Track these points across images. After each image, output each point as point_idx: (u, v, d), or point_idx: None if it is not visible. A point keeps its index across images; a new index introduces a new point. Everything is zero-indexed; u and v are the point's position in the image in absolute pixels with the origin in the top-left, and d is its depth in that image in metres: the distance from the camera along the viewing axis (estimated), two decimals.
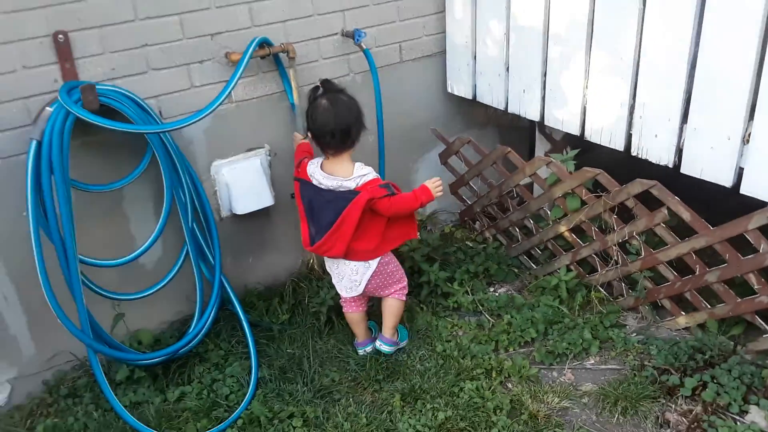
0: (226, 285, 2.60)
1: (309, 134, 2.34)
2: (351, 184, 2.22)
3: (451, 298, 2.82)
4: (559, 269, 2.77)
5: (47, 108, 2.05)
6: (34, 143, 2.02)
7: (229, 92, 2.40)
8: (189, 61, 2.41)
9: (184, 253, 2.52)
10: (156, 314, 2.62)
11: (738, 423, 2.05)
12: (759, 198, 2.04)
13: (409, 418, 2.23)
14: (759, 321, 2.23)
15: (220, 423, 2.27)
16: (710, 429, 2.05)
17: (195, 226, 2.49)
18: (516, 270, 2.99)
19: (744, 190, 2.07)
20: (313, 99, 2.27)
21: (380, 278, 2.40)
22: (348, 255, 2.31)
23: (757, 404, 2.09)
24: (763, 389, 2.12)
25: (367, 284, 2.39)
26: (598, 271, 2.66)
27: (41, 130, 2.02)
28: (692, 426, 2.06)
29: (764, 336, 2.23)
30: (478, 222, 3.18)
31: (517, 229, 2.96)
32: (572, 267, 2.75)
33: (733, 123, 2.03)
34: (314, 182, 2.28)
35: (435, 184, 2.31)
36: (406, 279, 2.49)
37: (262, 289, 2.88)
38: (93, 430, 2.25)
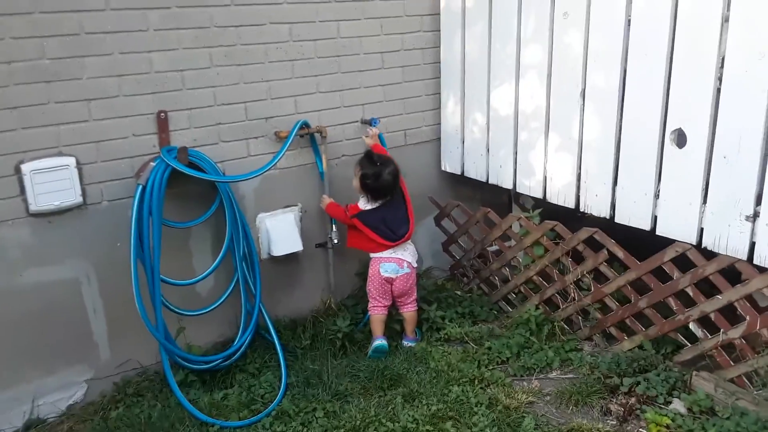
0: (264, 312, 3.25)
1: (364, 191, 3.21)
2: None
3: (443, 330, 3.46)
4: (529, 308, 3.43)
5: (151, 162, 2.82)
6: (140, 187, 2.76)
7: (277, 161, 3.19)
8: (248, 137, 3.21)
9: (234, 283, 3.19)
10: (204, 334, 3.24)
11: (663, 409, 2.66)
12: (669, 237, 2.77)
13: (409, 411, 2.81)
14: (680, 337, 2.89)
15: (257, 414, 2.85)
16: (642, 414, 2.65)
17: (243, 263, 3.19)
18: (496, 313, 3.65)
19: (659, 231, 2.80)
20: (374, 167, 3.18)
21: (411, 276, 3.35)
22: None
23: (679, 397, 2.71)
24: (683, 387, 2.75)
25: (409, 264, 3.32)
26: (560, 307, 3.32)
27: (146, 178, 2.76)
28: (628, 412, 2.66)
29: (685, 348, 2.87)
30: (465, 276, 3.87)
31: (496, 278, 3.65)
32: (540, 306, 3.41)
33: (647, 184, 2.81)
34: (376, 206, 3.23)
35: None
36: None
37: (288, 321, 3.51)
38: (155, 417, 2.82)
